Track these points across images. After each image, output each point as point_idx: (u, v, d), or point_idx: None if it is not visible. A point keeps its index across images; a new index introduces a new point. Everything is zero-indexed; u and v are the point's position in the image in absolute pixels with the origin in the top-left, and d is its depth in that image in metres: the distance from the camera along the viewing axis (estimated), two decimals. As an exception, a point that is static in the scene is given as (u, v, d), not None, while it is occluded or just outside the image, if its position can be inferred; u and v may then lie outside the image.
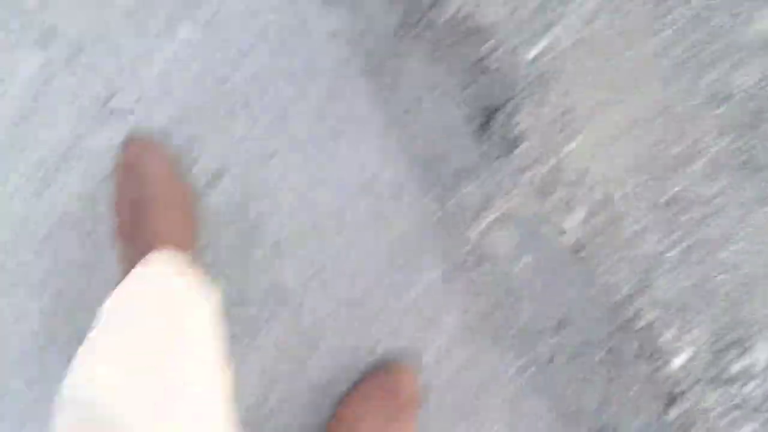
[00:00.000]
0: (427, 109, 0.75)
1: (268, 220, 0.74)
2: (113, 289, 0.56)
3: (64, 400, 0.46)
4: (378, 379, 0.69)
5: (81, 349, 0.49)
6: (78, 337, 0.49)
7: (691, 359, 0.70)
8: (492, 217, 0.74)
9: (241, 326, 0.73)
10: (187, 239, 0.69)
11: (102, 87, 0.76)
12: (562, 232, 0.73)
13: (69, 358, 0.48)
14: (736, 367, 0.70)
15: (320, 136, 0.75)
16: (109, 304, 0.54)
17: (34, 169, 0.76)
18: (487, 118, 0.75)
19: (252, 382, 0.73)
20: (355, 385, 0.70)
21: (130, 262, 0.63)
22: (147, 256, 0.60)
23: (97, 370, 0.47)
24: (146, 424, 0.44)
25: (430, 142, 0.75)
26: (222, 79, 0.76)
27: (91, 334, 0.51)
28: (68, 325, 0.75)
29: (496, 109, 0.74)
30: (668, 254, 0.72)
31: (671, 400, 0.69)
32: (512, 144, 0.74)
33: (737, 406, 0.69)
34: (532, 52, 0.75)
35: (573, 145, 0.74)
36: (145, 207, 0.66)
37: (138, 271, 0.58)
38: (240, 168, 0.75)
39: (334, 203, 0.75)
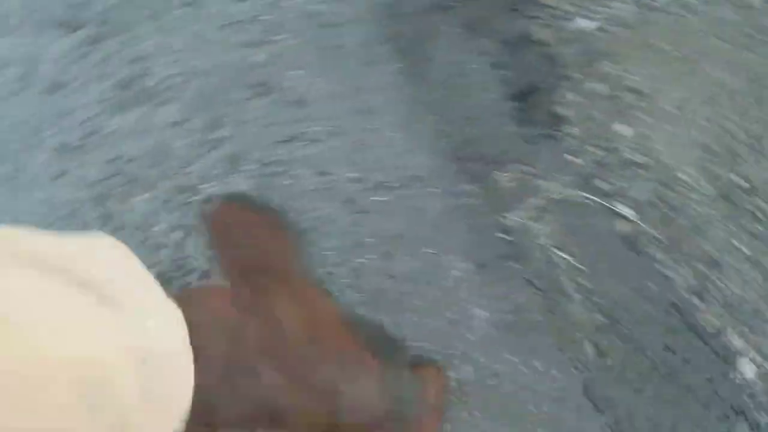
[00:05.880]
0: (462, 89, 0.70)
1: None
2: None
3: None
4: None
5: None
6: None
7: (763, 370, 0.61)
8: (535, 203, 0.68)
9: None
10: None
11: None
12: (615, 222, 0.67)
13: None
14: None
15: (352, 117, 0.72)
16: None
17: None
18: (527, 97, 0.70)
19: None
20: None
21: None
22: None
23: None
24: None
25: (466, 124, 0.70)
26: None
27: None
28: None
29: (538, 88, 0.69)
30: (735, 251, 0.64)
31: (739, 413, 0.60)
32: (557, 125, 0.69)
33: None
34: (585, 24, 0.70)
35: (627, 126, 0.68)
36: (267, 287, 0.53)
37: None
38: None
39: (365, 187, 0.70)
